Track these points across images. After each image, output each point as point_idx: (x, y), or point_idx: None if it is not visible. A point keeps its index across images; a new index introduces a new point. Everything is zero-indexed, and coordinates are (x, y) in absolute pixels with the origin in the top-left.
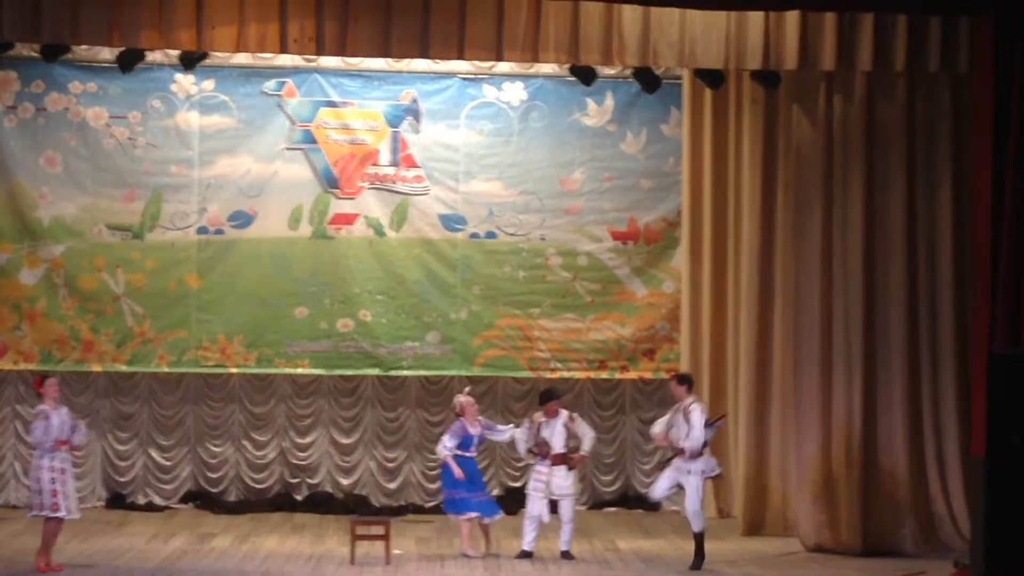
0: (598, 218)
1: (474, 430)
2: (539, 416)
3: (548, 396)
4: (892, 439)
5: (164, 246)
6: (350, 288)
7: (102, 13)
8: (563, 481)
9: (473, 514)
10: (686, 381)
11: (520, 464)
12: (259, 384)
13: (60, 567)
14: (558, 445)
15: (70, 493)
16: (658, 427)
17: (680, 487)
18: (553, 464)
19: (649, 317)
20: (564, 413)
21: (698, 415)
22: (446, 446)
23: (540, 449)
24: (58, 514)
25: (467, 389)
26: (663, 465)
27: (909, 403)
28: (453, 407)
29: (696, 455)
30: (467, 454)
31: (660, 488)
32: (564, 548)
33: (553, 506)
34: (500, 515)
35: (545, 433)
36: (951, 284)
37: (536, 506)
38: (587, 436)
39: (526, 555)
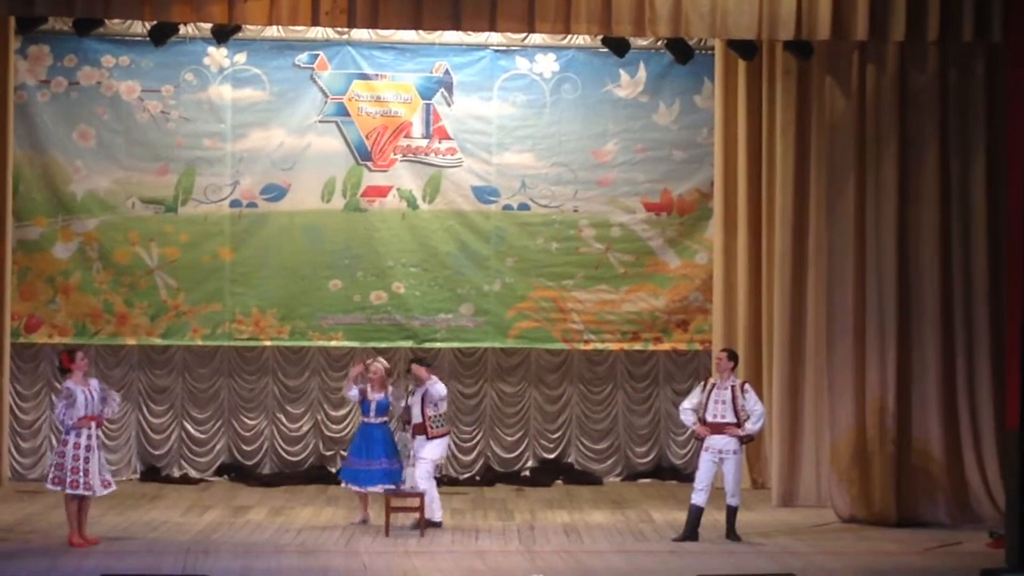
0: (631, 189)
1: (374, 396)
2: (412, 384)
3: (416, 361)
4: (926, 410)
5: (197, 219)
6: (383, 261)
7: None
8: (420, 446)
9: (354, 487)
10: (735, 358)
11: (555, 436)
12: (293, 357)
13: (96, 540)
14: (416, 414)
15: (93, 471)
16: (689, 415)
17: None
18: (415, 433)
19: (682, 288)
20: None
21: (754, 394)
22: (352, 393)
23: (403, 418)
24: (76, 491)
25: (378, 358)
26: (697, 442)
27: (943, 374)
28: None
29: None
30: (366, 419)
31: (705, 488)
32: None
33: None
34: (380, 488)
35: (410, 401)
36: (985, 255)
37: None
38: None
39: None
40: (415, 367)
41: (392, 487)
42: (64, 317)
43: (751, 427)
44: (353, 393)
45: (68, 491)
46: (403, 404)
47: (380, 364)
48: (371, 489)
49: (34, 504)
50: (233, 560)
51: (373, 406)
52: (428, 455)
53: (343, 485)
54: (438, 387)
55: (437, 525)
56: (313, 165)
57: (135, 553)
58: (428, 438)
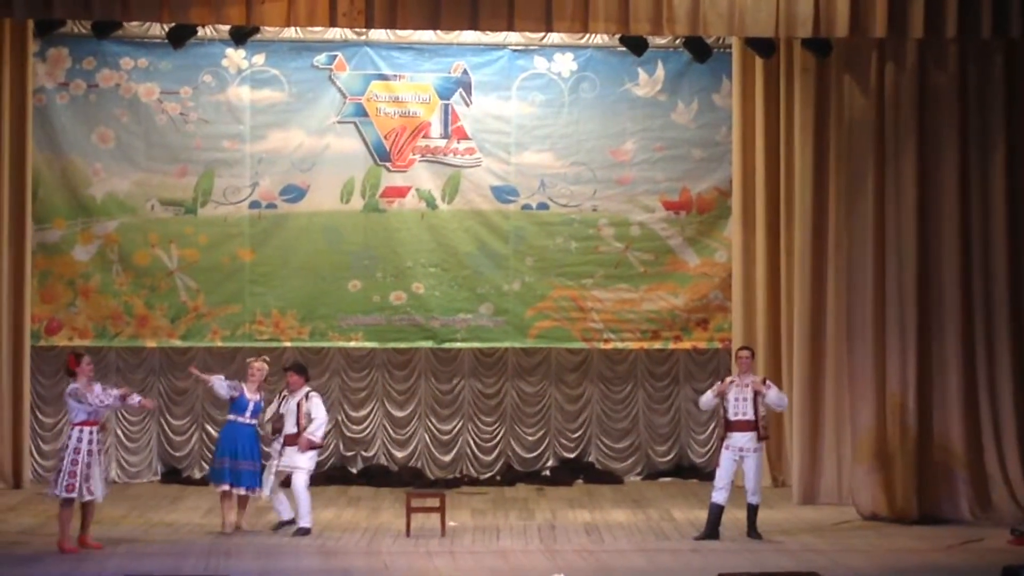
0: (650, 188)
1: (251, 396)
2: (284, 389)
3: (291, 368)
4: (947, 407)
5: (217, 221)
6: (403, 261)
7: None
8: (292, 456)
9: (227, 486)
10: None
11: (575, 435)
12: (313, 358)
13: (99, 545)
14: (290, 423)
15: (94, 475)
16: (707, 400)
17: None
18: (286, 444)
19: (702, 287)
20: (305, 390)
21: (776, 390)
22: (220, 385)
23: (275, 424)
24: (71, 495)
25: (263, 356)
26: (720, 440)
27: (964, 371)
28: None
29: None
30: (240, 418)
31: (726, 486)
32: (300, 524)
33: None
34: (259, 491)
35: (284, 408)
36: (1005, 252)
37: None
38: (317, 419)
39: (283, 524)
40: (290, 375)
41: (253, 490)
42: (84, 320)
43: (765, 424)
44: (220, 381)
45: (63, 495)
46: (275, 410)
47: (262, 363)
48: (238, 490)
49: (55, 506)
50: (254, 561)
51: (251, 406)
52: (305, 465)
53: (212, 486)
54: (319, 413)
55: (291, 524)
56: (332, 166)
57: (156, 555)
58: (300, 451)
